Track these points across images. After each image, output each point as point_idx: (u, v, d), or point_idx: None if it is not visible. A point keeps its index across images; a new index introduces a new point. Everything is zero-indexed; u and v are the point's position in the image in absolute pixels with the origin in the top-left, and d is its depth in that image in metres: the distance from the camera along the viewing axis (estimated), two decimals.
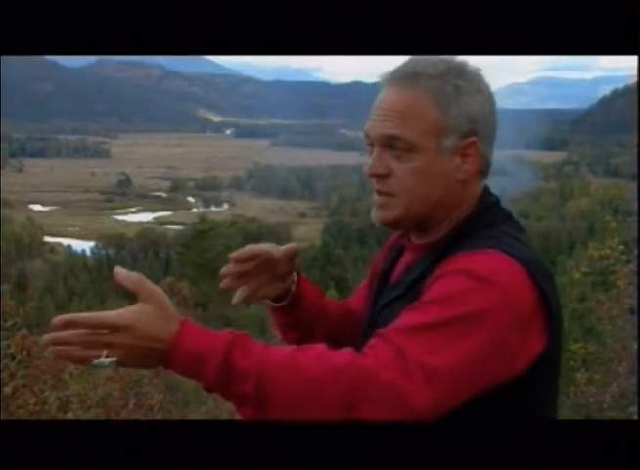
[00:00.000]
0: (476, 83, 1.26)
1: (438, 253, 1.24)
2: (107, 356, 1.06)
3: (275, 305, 1.46)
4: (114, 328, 1.06)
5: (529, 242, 1.27)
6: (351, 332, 1.47)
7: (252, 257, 1.39)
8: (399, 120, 1.23)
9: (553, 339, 1.18)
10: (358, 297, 1.56)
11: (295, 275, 1.45)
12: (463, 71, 1.26)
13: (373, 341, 1.12)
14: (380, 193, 1.27)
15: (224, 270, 1.40)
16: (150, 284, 1.11)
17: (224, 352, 1.07)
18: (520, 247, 1.19)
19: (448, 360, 1.08)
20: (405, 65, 1.27)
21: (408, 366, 1.07)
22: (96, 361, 1.06)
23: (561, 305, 1.25)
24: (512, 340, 1.12)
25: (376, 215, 1.29)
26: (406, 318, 1.14)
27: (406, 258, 1.36)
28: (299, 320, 1.47)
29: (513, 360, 1.14)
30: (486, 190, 1.31)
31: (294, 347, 1.13)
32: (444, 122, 1.23)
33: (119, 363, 1.08)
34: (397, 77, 1.26)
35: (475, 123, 1.25)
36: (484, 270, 1.12)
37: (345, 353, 1.10)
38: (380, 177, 1.26)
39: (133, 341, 1.07)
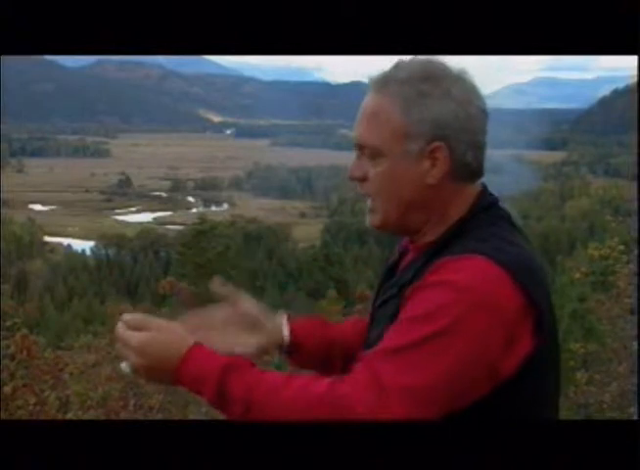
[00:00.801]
0: (443, 88, 1.24)
1: (430, 254, 1.25)
2: (127, 367, 1.25)
3: (280, 355, 1.51)
4: (134, 347, 1.23)
5: (526, 242, 1.27)
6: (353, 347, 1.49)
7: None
8: (367, 126, 1.27)
9: (545, 340, 1.18)
10: None
11: (283, 325, 1.47)
12: (430, 76, 1.24)
13: (354, 367, 1.16)
14: (363, 196, 1.32)
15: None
16: (154, 318, 1.26)
17: (219, 378, 1.18)
18: (507, 249, 1.19)
19: (426, 378, 1.10)
20: (385, 70, 1.28)
21: (383, 391, 1.09)
22: (121, 365, 1.27)
23: (553, 304, 1.25)
24: (494, 344, 1.13)
25: (367, 220, 1.33)
26: (386, 340, 1.16)
27: (407, 259, 1.37)
28: (311, 359, 1.51)
29: (498, 364, 1.14)
30: (484, 191, 1.31)
31: (285, 375, 1.19)
32: (407, 127, 1.24)
33: (138, 374, 1.26)
34: (373, 81, 1.29)
35: (442, 129, 1.23)
36: (466, 280, 1.13)
37: (325, 384, 1.14)
38: (358, 180, 1.30)
39: (145, 361, 1.23)
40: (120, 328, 1.24)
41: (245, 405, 1.16)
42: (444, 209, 1.28)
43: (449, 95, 1.24)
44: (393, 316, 1.21)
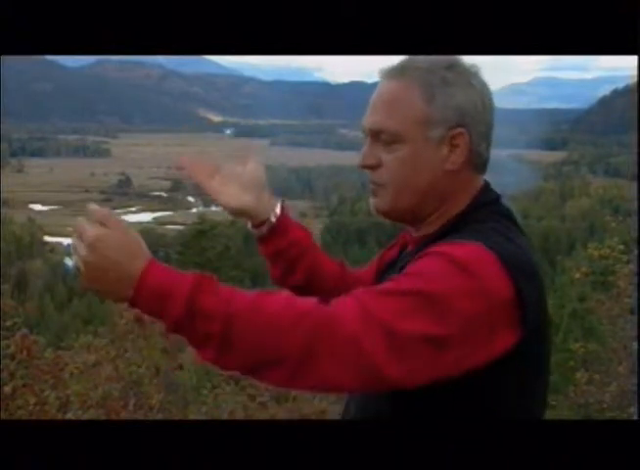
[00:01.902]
0: (465, 77, 1.28)
1: (427, 244, 1.26)
2: (74, 263, 1.11)
3: (254, 231, 1.51)
4: (87, 238, 1.10)
5: (525, 240, 1.27)
6: (327, 284, 1.53)
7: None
8: (386, 112, 1.26)
9: (528, 337, 1.17)
10: (360, 272, 1.59)
11: (276, 207, 1.50)
12: (453, 65, 1.28)
13: (342, 296, 1.15)
14: (372, 183, 1.30)
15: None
16: (118, 218, 1.15)
17: (190, 291, 1.08)
18: (505, 244, 1.19)
19: (411, 328, 1.09)
20: (399, 61, 1.31)
21: (371, 323, 1.09)
22: (64, 262, 1.05)
23: (547, 304, 1.25)
24: (479, 330, 1.13)
25: (371, 204, 1.32)
26: (380, 285, 1.18)
27: (408, 249, 1.39)
28: (278, 255, 1.51)
29: (476, 350, 1.13)
30: (485, 187, 1.32)
31: (257, 291, 1.15)
32: (430, 113, 1.25)
33: (85, 280, 1.11)
34: (389, 69, 1.29)
35: (463, 116, 1.26)
36: (463, 257, 1.14)
37: (311, 301, 1.13)
38: (371, 168, 1.29)
39: (94, 258, 1.10)
40: (81, 219, 1.12)
41: (223, 320, 1.07)
42: (454, 199, 1.29)
43: (470, 85, 1.27)
44: None
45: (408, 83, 1.26)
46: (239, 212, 1.48)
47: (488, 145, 1.31)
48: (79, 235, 1.11)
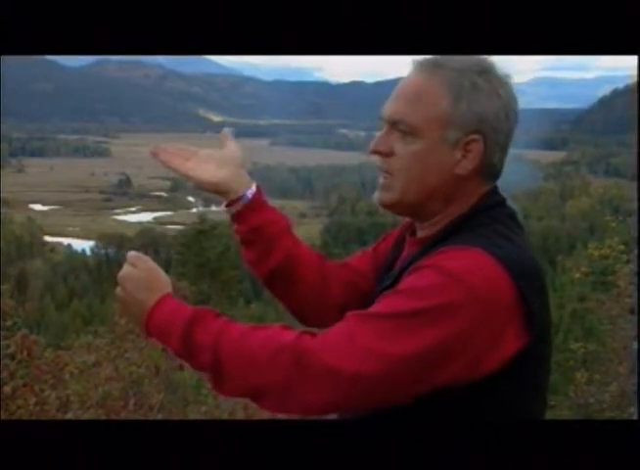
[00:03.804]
0: (495, 85, 1.26)
1: (428, 247, 1.25)
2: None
3: (226, 207, 1.47)
4: (119, 276, 1.31)
5: (527, 244, 1.26)
6: (304, 272, 1.49)
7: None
8: (409, 104, 1.25)
9: (534, 339, 1.17)
10: (356, 261, 1.55)
11: (251, 185, 1.46)
12: (485, 70, 1.26)
13: (333, 326, 1.17)
14: (381, 172, 1.30)
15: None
16: (149, 261, 1.32)
17: (185, 327, 1.21)
18: (508, 247, 1.19)
19: (402, 349, 1.10)
20: (435, 56, 1.29)
21: (353, 346, 1.10)
22: None
23: (550, 306, 1.24)
24: (479, 337, 1.12)
25: (377, 197, 1.31)
26: (373, 306, 1.17)
27: (405, 253, 1.38)
28: (252, 236, 1.46)
29: (481, 357, 1.13)
30: (492, 191, 1.30)
31: (248, 327, 1.21)
32: (452, 114, 1.24)
33: (119, 310, 1.37)
34: (420, 63, 1.28)
35: (483, 123, 1.25)
36: (457, 267, 1.13)
37: (292, 334, 1.16)
38: (382, 155, 1.28)
39: (121, 293, 1.30)
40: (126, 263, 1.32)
41: (212, 353, 1.18)
42: (459, 202, 1.28)
43: (497, 94, 1.26)
44: None
45: (438, 81, 1.25)
46: (213, 187, 1.45)
47: (505, 155, 1.30)
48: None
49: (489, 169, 1.28)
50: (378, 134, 1.30)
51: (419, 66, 1.28)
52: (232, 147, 1.48)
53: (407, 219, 1.43)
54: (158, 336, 1.26)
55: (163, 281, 1.30)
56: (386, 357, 1.10)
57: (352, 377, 1.09)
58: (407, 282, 1.17)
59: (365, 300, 1.39)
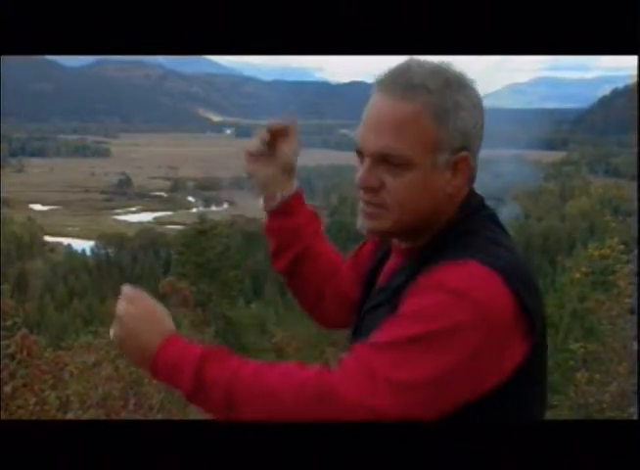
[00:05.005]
0: (472, 98, 1.23)
1: (421, 259, 1.23)
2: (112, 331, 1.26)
3: (265, 205, 1.54)
4: (117, 314, 1.24)
5: (512, 243, 1.26)
6: (326, 272, 1.55)
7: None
8: (395, 134, 1.19)
9: (535, 347, 1.17)
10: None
11: (293, 189, 1.56)
12: (462, 86, 1.22)
13: (345, 357, 1.15)
14: (368, 204, 1.24)
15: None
16: (146, 297, 1.26)
17: (197, 365, 1.17)
18: (500, 254, 1.18)
19: (417, 375, 1.09)
20: (401, 74, 1.21)
21: (374, 382, 1.08)
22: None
23: (545, 311, 1.24)
24: (487, 354, 1.12)
25: (364, 225, 1.26)
26: (380, 333, 1.15)
27: (392, 262, 1.34)
28: (281, 229, 1.54)
29: (488, 373, 1.13)
30: (471, 192, 1.29)
31: (264, 363, 1.18)
32: (440, 138, 1.19)
33: (118, 348, 1.27)
34: (393, 87, 1.20)
35: (467, 138, 1.22)
36: (460, 284, 1.11)
37: (312, 370, 1.13)
38: (372, 190, 1.23)
39: (122, 333, 1.24)
40: (120, 299, 1.25)
41: (226, 392, 1.14)
42: (444, 209, 1.25)
43: (474, 105, 1.23)
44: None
45: (419, 106, 1.18)
46: (287, 168, 1.55)
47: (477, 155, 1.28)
48: (116, 311, 1.25)
49: (472, 176, 1.26)
50: (362, 169, 1.23)
51: (391, 89, 1.20)
52: (283, 148, 1.54)
53: None
54: (166, 377, 1.21)
55: (165, 318, 1.25)
56: (405, 386, 1.08)
57: (375, 410, 1.08)
58: (411, 304, 1.14)
59: (352, 306, 1.44)
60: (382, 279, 1.35)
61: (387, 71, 1.23)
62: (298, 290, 1.59)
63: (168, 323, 1.25)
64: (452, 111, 1.20)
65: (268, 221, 1.55)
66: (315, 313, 1.61)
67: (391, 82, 1.21)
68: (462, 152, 1.22)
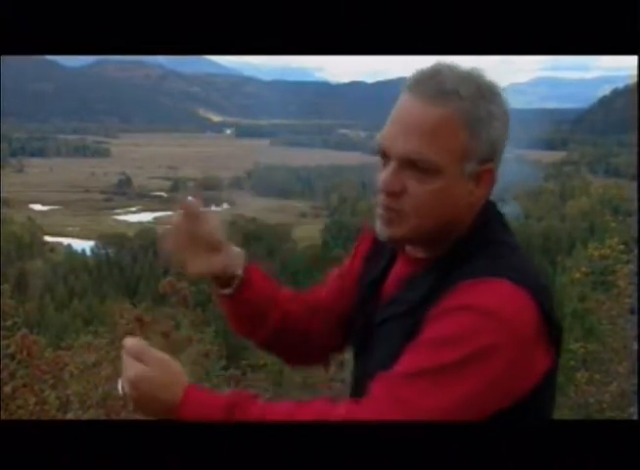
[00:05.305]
0: (503, 107, 1.21)
1: (440, 271, 1.21)
2: (123, 388, 1.21)
3: (223, 291, 1.40)
4: (128, 377, 1.18)
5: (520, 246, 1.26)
6: (310, 321, 1.46)
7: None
8: (425, 139, 1.16)
9: (555, 358, 1.18)
10: (327, 289, 1.51)
11: (241, 259, 1.39)
12: (494, 94, 1.20)
13: (373, 388, 1.13)
14: (387, 209, 1.21)
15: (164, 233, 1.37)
16: (153, 351, 1.19)
17: (224, 418, 1.14)
18: (522, 266, 1.18)
19: (451, 402, 1.08)
20: (431, 77, 1.18)
21: (409, 414, 1.08)
22: (118, 382, 1.22)
23: (560, 321, 1.23)
24: (516, 371, 1.12)
25: (383, 232, 1.23)
26: (408, 360, 1.13)
27: (401, 271, 1.31)
28: (249, 311, 1.41)
29: (516, 388, 1.14)
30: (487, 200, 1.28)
31: (292, 404, 1.15)
32: (470, 147, 1.17)
33: (132, 408, 1.22)
34: (424, 89, 1.17)
35: (495, 149, 1.21)
36: (491, 305, 1.10)
37: (343, 408, 1.11)
38: (395, 195, 1.19)
39: (137, 395, 1.18)
40: (123, 353, 1.19)
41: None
42: (464, 224, 1.23)
43: (504, 114, 1.22)
44: (409, 335, 1.17)
45: (452, 113, 1.16)
46: (213, 277, 1.38)
47: None
48: (124, 369, 1.18)
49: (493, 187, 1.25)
50: (386, 172, 1.19)
51: (423, 93, 1.17)
52: (209, 225, 1.34)
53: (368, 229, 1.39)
54: None
55: (177, 369, 1.19)
56: (437, 414, 1.08)
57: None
58: (438, 328, 1.12)
59: (343, 319, 1.42)
60: (389, 289, 1.32)
61: (416, 73, 1.20)
62: (285, 351, 1.52)
63: (180, 373, 1.19)
64: (485, 120, 1.18)
65: (229, 307, 1.42)
66: (311, 357, 1.56)
67: (422, 85, 1.18)
68: (488, 163, 1.20)
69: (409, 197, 1.19)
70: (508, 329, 1.09)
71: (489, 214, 1.26)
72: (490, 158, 1.20)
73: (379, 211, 1.23)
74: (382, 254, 1.38)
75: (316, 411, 1.12)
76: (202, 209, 1.35)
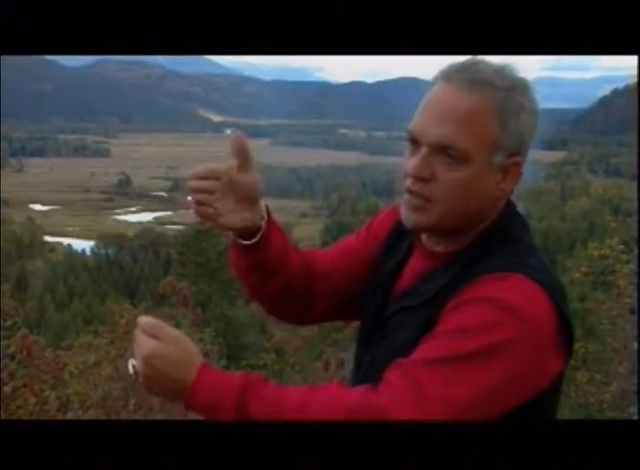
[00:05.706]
0: (534, 103, 1.23)
1: (461, 265, 1.22)
2: (134, 367, 1.18)
3: (244, 242, 1.38)
4: (141, 353, 1.16)
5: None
6: (307, 284, 1.45)
7: (213, 174, 1.33)
8: (459, 127, 1.17)
9: (566, 362, 1.19)
10: (332, 254, 1.50)
11: (264, 211, 1.38)
12: (527, 89, 1.21)
13: (390, 374, 1.12)
14: (415, 194, 1.21)
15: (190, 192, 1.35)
16: (169, 328, 1.17)
17: (237, 400, 1.12)
18: (543, 266, 1.19)
19: (468, 393, 1.08)
20: (467, 67, 1.20)
21: (426, 401, 1.07)
22: (129, 362, 1.19)
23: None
24: (533, 368, 1.13)
25: (409, 218, 1.23)
26: (427, 349, 1.13)
27: (419, 263, 1.31)
28: (263, 263, 1.39)
29: (532, 385, 1.14)
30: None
31: (305, 388, 1.14)
32: (501, 138, 1.19)
33: (144, 387, 1.19)
34: (460, 79, 1.19)
35: (523, 143, 1.22)
36: (512, 300, 1.11)
37: (359, 392, 1.11)
38: (423, 180, 1.20)
39: (150, 372, 1.15)
40: (137, 330, 1.17)
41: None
42: (487, 219, 1.24)
43: (534, 109, 1.23)
44: (425, 326, 1.18)
45: (485, 102, 1.18)
46: (244, 231, 1.37)
47: None
48: (137, 347, 1.16)
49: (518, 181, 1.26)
50: (416, 158, 1.20)
51: (458, 81, 1.18)
52: (251, 176, 1.35)
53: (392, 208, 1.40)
54: (203, 411, 1.15)
55: (192, 348, 1.17)
56: (456, 403, 1.08)
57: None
58: (458, 318, 1.13)
59: (357, 284, 1.40)
60: (406, 280, 1.32)
61: (451, 64, 1.22)
62: (284, 307, 1.50)
63: (194, 351, 1.17)
64: (516, 113, 1.19)
65: (244, 257, 1.39)
66: (303, 316, 1.54)
67: (458, 74, 1.20)
68: (516, 156, 1.21)
69: (438, 183, 1.19)
70: (527, 327, 1.10)
71: (511, 213, 1.27)
72: (518, 151, 1.22)
73: (405, 196, 1.23)
74: (401, 245, 1.38)
75: (330, 395, 1.12)
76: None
